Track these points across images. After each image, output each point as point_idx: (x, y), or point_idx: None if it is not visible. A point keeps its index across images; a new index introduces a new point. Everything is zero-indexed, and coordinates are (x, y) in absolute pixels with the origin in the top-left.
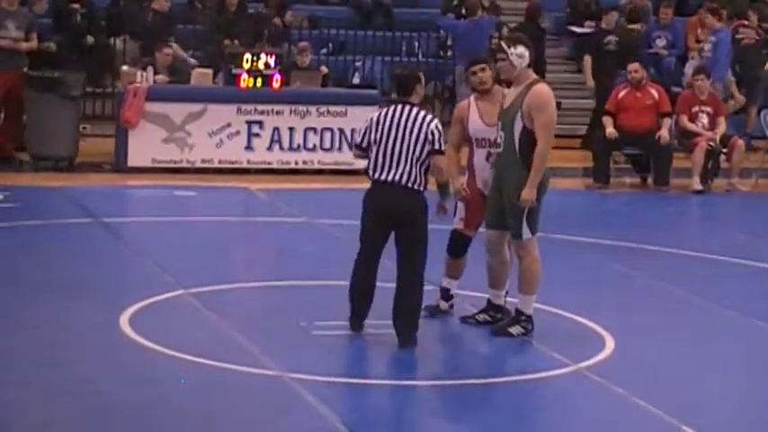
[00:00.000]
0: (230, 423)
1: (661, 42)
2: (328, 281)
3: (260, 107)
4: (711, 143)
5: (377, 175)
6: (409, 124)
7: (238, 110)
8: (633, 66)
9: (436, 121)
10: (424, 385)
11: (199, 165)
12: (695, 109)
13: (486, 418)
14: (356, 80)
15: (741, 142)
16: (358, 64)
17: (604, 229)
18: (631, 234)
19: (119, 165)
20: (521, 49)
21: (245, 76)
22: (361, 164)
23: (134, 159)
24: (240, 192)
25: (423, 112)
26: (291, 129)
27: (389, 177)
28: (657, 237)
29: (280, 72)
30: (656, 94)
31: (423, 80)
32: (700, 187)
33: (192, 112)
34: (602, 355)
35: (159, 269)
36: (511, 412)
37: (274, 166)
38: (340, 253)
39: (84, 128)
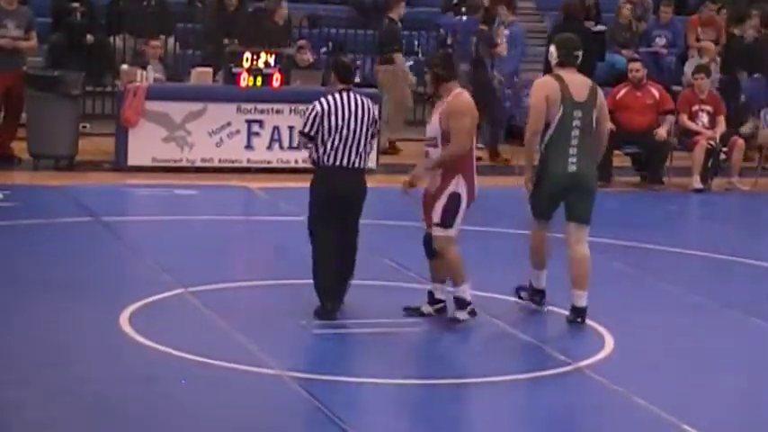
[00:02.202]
0: (230, 422)
1: (661, 41)
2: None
3: (260, 106)
4: (711, 142)
5: (336, 162)
6: (359, 110)
7: (238, 109)
8: (634, 65)
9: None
10: (424, 385)
11: (199, 164)
12: (695, 108)
13: (487, 417)
14: (356, 79)
15: (741, 141)
16: (358, 63)
17: (604, 228)
18: (631, 233)
19: (119, 164)
20: None
21: (244, 75)
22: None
23: (134, 158)
24: (240, 191)
25: (365, 98)
26: (291, 128)
27: (349, 162)
28: (657, 236)
29: (280, 71)
30: (656, 94)
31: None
32: (700, 186)
33: (192, 111)
34: (602, 354)
35: (159, 268)
36: (511, 412)
37: (274, 164)
38: None
39: (84, 127)
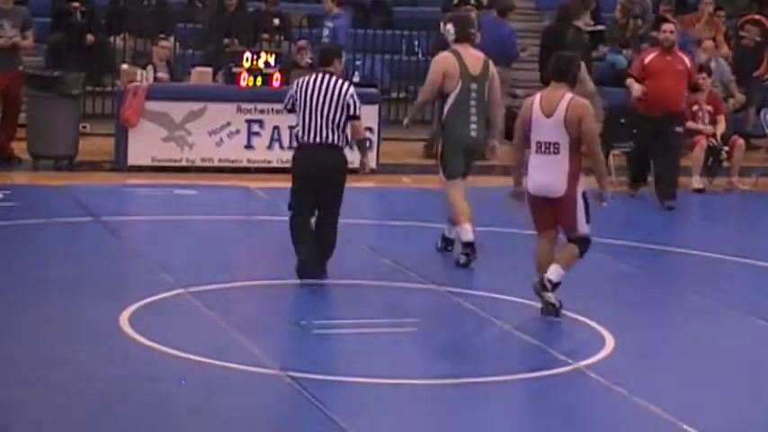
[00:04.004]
0: (230, 421)
1: None
2: (328, 279)
3: (260, 106)
4: (712, 140)
5: (304, 138)
6: (329, 91)
7: (238, 108)
8: (668, 26)
9: (352, 89)
10: (424, 384)
11: (199, 163)
12: (695, 107)
13: (487, 417)
14: (356, 79)
15: (741, 141)
16: (358, 63)
17: (604, 228)
18: (631, 232)
19: (119, 163)
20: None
21: (245, 74)
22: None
23: (134, 158)
24: (240, 190)
25: (341, 81)
26: (292, 127)
27: (314, 139)
28: (657, 235)
29: (280, 71)
30: (687, 61)
31: (342, 56)
32: (700, 186)
33: (192, 110)
34: (602, 354)
35: (159, 268)
36: (511, 411)
37: (274, 164)
38: (340, 251)
39: (84, 127)
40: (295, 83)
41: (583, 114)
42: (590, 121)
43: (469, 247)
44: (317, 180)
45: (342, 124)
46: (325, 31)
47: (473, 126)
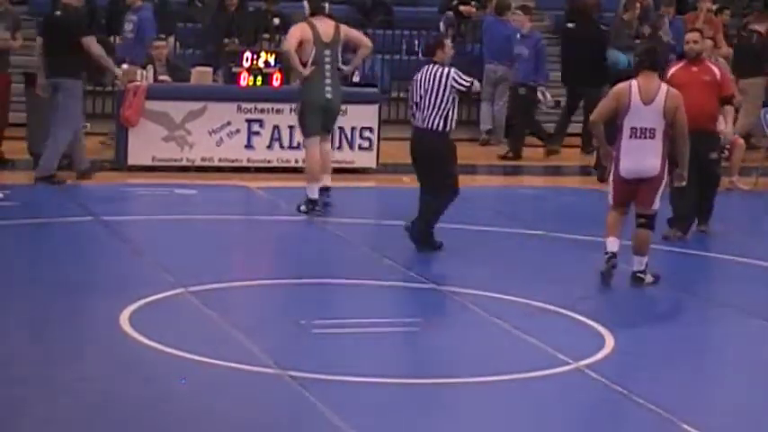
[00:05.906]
0: (230, 421)
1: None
2: (328, 279)
3: (260, 105)
4: None
5: (414, 120)
6: (431, 78)
7: (238, 108)
8: (692, 35)
9: (452, 72)
10: (424, 384)
11: (199, 163)
12: None
13: (487, 417)
14: (356, 78)
15: (741, 141)
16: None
17: (604, 228)
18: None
19: (119, 163)
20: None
21: (245, 74)
22: (360, 163)
23: (134, 158)
24: (240, 190)
25: (441, 68)
26: (291, 127)
27: (417, 123)
28: (657, 235)
29: (280, 70)
30: (716, 72)
31: (446, 45)
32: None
33: (192, 110)
34: (601, 354)
35: (159, 267)
36: (511, 411)
37: (274, 164)
38: (340, 251)
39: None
40: (415, 77)
41: (679, 104)
42: (683, 109)
43: (312, 203)
44: (419, 159)
45: (445, 110)
46: (129, 26)
47: (327, 89)
